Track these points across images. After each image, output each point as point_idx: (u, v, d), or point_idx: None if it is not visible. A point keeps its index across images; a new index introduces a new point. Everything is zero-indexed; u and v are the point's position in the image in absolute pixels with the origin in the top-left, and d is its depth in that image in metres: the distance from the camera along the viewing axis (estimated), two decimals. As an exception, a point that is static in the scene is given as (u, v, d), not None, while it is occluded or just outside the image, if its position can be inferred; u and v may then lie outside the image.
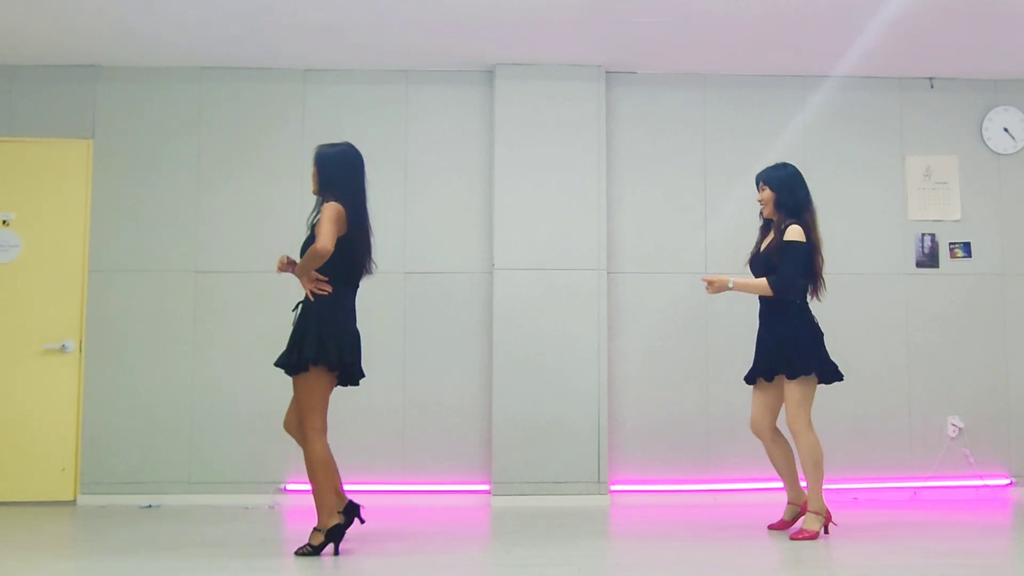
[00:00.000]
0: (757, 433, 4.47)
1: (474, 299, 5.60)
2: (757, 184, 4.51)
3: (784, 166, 4.47)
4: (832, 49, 5.38)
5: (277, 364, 3.91)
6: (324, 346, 3.81)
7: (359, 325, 3.99)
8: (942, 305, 5.72)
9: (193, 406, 5.46)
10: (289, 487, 5.38)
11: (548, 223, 5.54)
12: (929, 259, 5.75)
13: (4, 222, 5.53)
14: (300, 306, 3.96)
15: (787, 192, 4.36)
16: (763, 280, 4.32)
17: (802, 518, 4.34)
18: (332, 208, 3.89)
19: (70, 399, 5.45)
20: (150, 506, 5.34)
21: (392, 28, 5.12)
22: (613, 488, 5.46)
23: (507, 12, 4.91)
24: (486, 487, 5.45)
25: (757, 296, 4.42)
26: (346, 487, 5.47)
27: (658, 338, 5.58)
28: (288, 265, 4.07)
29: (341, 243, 3.88)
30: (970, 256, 5.75)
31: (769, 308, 4.40)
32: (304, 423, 3.87)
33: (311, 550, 3.82)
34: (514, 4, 4.82)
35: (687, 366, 5.62)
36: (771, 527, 4.48)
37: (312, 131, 5.61)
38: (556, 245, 5.53)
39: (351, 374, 3.99)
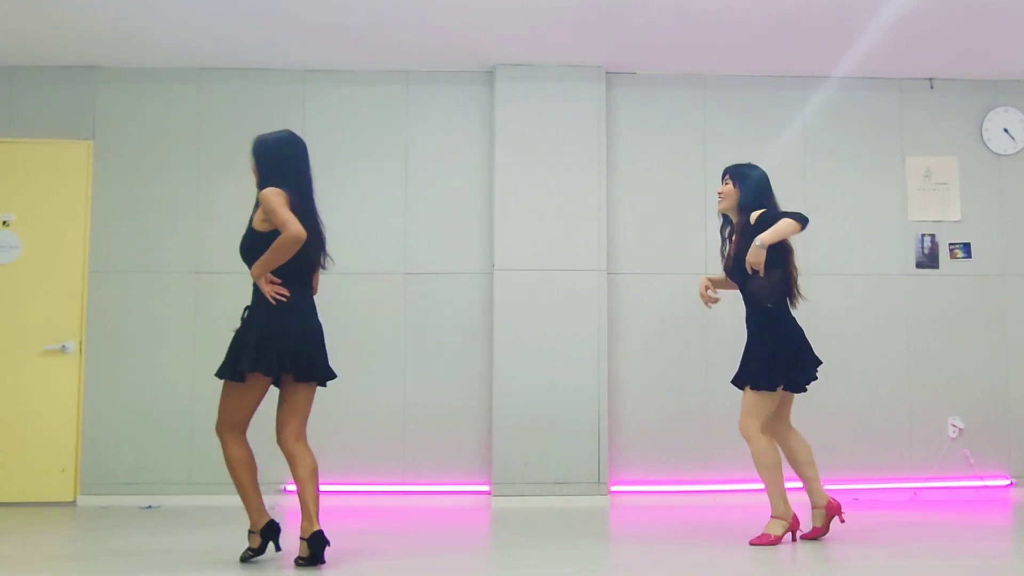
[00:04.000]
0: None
1: (474, 300, 5.60)
2: (723, 177, 4.26)
3: (754, 167, 4.24)
4: (832, 50, 5.38)
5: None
6: (262, 354, 3.52)
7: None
8: (942, 306, 5.72)
9: (193, 406, 5.45)
10: (289, 488, 5.37)
11: (548, 224, 5.54)
12: (929, 260, 5.75)
13: (4, 223, 5.53)
14: (248, 311, 3.64)
15: (753, 195, 4.12)
16: (787, 220, 3.96)
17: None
18: (273, 192, 3.50)
19: (70, 400, 5.45)
20: (150, 507, 5.34)
21: (392, 28, 5.12)
22: (613, 489, 5.46)
23: (507, 12, 4.91)
24: (486, 488, 5.45)
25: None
26: (346, 488, 5.50)
27: (658, 338, 5.58)
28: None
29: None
30: (970, 257, 5.75)
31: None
32: (219, 424, 3.65)
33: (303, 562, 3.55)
34: (514, 4, 4.82)
35: (687, 366, 5.62)
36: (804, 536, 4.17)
37: (312, 132, 5.60)
38: (556, 246, 5.53)
39: (309, 374, 3.62)
